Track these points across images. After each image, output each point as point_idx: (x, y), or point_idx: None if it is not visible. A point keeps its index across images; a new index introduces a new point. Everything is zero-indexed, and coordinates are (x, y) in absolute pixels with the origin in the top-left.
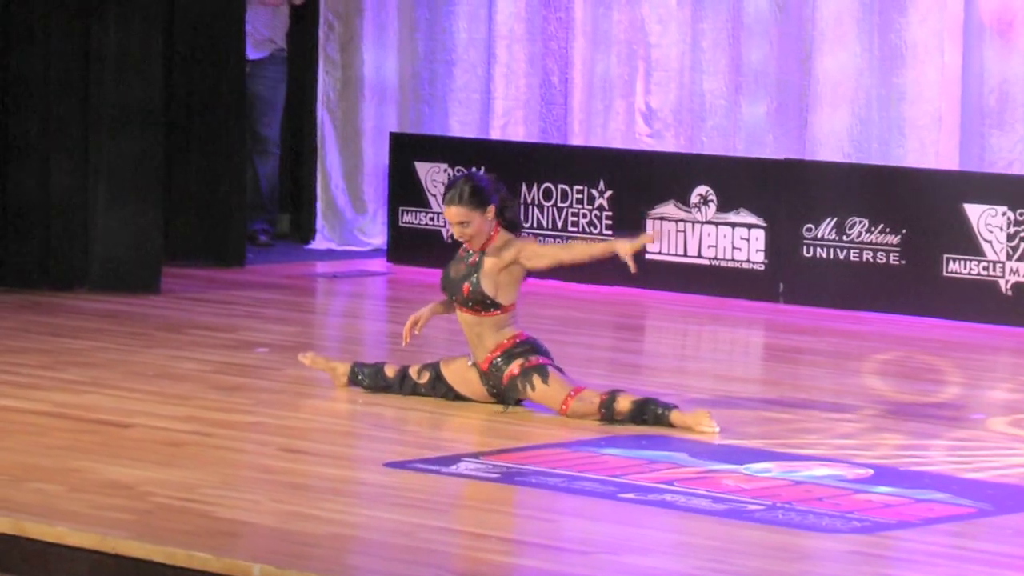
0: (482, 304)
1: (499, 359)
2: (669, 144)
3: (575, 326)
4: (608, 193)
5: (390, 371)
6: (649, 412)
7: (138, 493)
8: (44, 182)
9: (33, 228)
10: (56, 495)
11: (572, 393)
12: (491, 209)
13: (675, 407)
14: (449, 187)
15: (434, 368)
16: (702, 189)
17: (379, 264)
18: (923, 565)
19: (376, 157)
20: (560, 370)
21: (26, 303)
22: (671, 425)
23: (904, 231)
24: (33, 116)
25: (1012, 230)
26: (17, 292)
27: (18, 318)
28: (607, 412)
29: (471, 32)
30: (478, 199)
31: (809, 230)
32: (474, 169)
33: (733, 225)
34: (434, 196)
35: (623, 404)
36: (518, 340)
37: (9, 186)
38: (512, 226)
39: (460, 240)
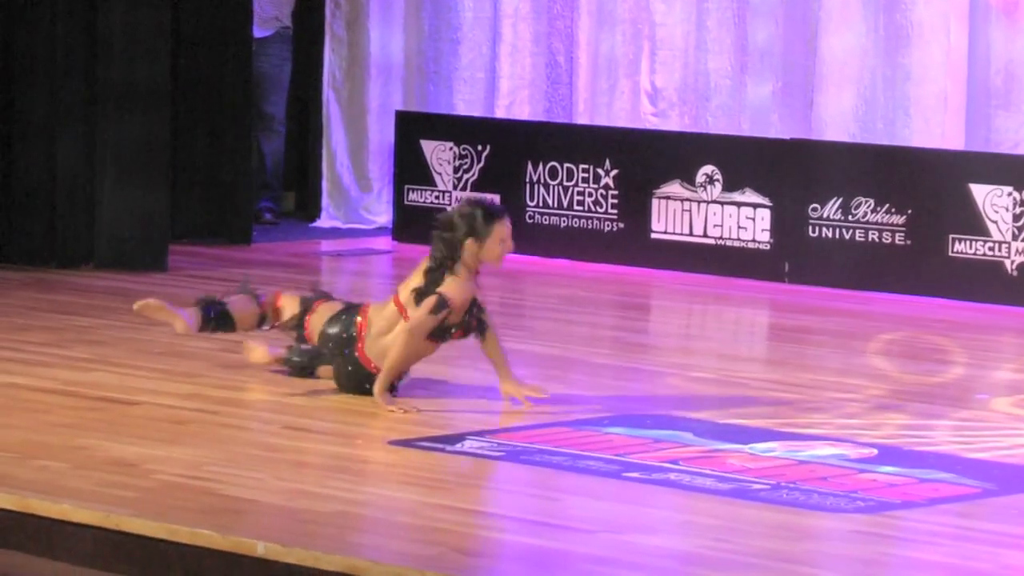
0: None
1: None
2: (674, 123)
3: (581, 305)
4: (614, 172)
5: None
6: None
7: (143, 471)
8: (50, 161)
9: (39, 207)
10: (61, 472)
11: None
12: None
13: None
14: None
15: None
16: (708, 168)
17: (384, 242)
18: (927, 545)
19: (381, 135)
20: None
21: (32, 281)
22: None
23: (910, 211)
24: (39, 95)
25: (1018, 210)
26: (24, 270)
27: (24, 296)
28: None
29: (476, 11)
30: None
31: (815, 210)
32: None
33: (739, 204)
34: (439, 174)
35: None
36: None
37: (16, 165)
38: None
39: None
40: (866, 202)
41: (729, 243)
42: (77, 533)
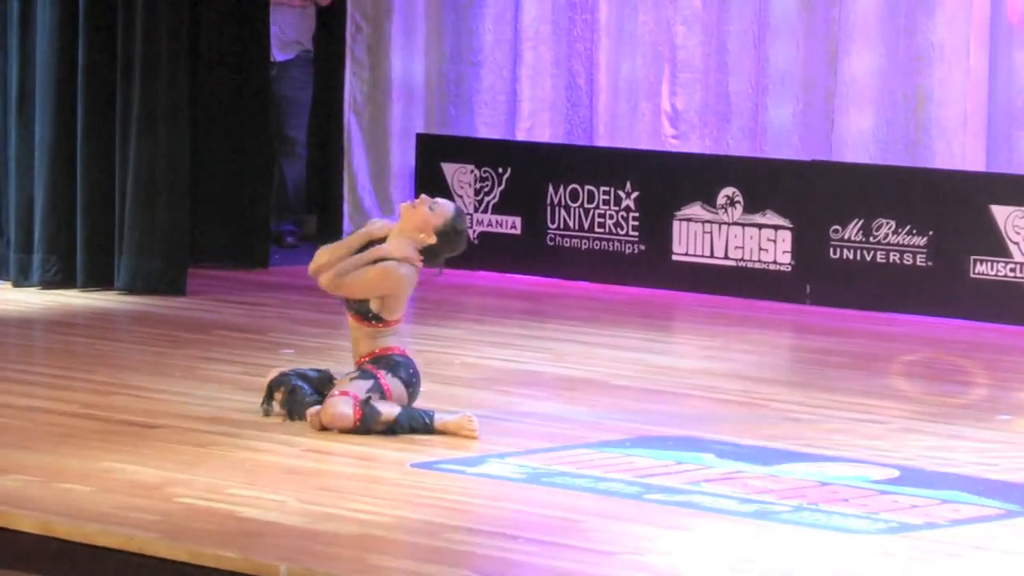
0: (363, 315)
1: (368, 363)
2: (695, 145)
3: (603, 327)
4: (635, 194)
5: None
6: (415, 420)
7: (165, 494)
8: (70, 184)
9: (60, 229)
10: (84, 496)
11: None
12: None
13: (434, 413)
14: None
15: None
16: (728, 190)
17: None
18: (950, 566)
19: (403, 158)
20: (394, 392)
21: (53, 304)
22: (435, 431)
23: (931, 232)
24: (63, 120)
25: None
26: (45, 293)
27: (46, 320)
28: (364, 421)
29: (497, 33)
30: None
31: (836, 231)
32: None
33: (760, 226)
34: (460, 197)
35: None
36: (389, 352)
37: (36, 186)
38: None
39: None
40: (887, 223)
41: (750, 265)
42: (100, 556)
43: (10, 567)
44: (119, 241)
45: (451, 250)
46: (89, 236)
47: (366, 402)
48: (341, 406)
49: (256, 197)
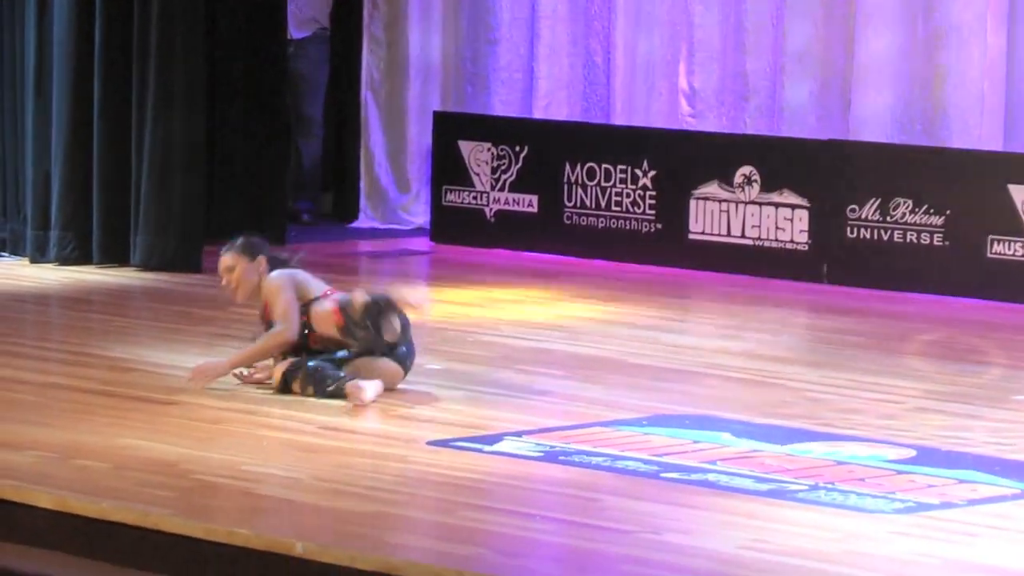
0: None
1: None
2: (712, 124)
3: (619, 306)
4: (652, 173)
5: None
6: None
7: (180, 470)
8: (87, 162)
9: (76, 208)
10: (100, 472)
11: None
12: (261, 260)
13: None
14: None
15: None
16: (746, 169)
17: (422, 243)
18: (966, 546)
19: (419, 136)
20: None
21: (70, 281)
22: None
23: (948, 212)
24: (80, 98)
25: None
26: (62, 271)
27: (63, 296)
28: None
29: (514, 12)
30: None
31: (853, 211)
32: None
33: (777, 205)
34: (477, 175)
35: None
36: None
37: (54, 166)
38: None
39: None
40: (904, 203)
41: (767, 244)
42: (116, 532)
43: (26, 543)
44: (135, 218)
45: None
46: (105, 213)
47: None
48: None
49: (272, 175)
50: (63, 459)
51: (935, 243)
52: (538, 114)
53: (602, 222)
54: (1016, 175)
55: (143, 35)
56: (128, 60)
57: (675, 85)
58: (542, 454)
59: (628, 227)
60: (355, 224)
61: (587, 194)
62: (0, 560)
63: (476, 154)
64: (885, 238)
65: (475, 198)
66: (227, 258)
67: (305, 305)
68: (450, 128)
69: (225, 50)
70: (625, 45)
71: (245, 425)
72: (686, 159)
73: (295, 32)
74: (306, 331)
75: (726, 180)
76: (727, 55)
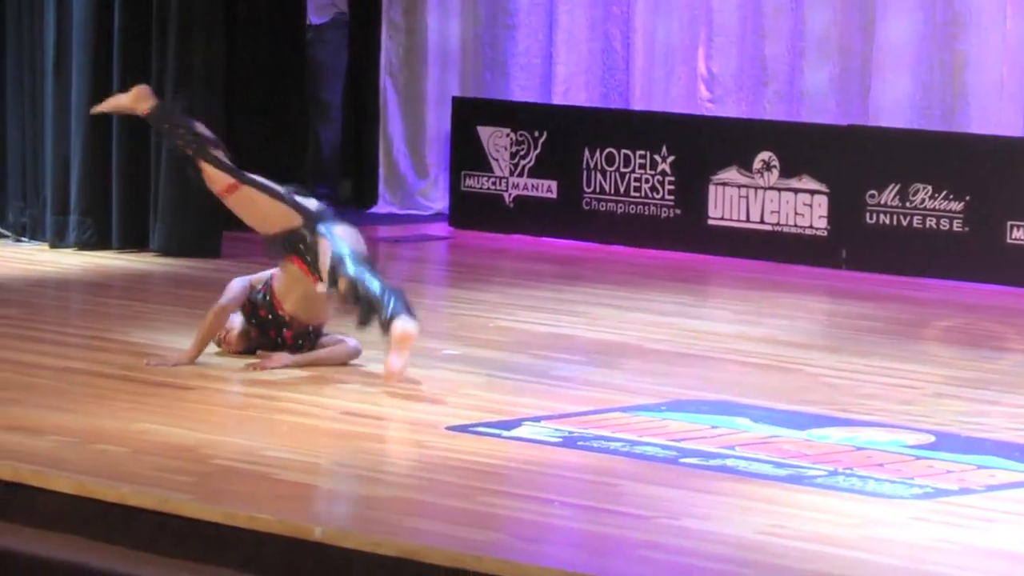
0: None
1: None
2: (731, 110)
3: (638, 291)
4: (670, 158)
5: None
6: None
7: (200, 455)
8: (105, 147)
9: (96, 193)
10: (119, 457)
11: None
12: None
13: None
14: None
15: None
16: (765, 155)
17: (441, 228)
18: (985, 532)
19: (438, 122)
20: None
21: (89, 266)
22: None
23: (968, 198)
24: (99, 83)
25: None
26: (81, 255)
27: (81, 281)
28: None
29: None
30: None
31: (872, 196)
32: None
33: (796, 191)
34: (496, 161)
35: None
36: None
37: (71, 151)
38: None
39: None
40: (924, 188)
41: (786, 230)
42: (135, 517)
43: (45, 527)
44: (154, 203)
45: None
46: (125, 198)
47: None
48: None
49: (291, 161)
50: (82, 444)
51: (954, 229)
52: (557, 99)
53: (621, 208)
54: None
55: (162, 20)
56: (147, 45)
57: (694, 70)
58: (560, 439)
59: (647, 213)
60: (374, 210)
61: (606, 179)
62: (19, 544)
63: (495, 140)
64: (904, 224)
65: (494, 184)
66: None
67: (263, 292)
68: (469, 114)
69: (244, 35)
70: (644, 30)
71: (264, 410)
72: (705, 145)
73: (314, 18)
74: (281, 325)
75: (745, 166)
76: (746, 40)
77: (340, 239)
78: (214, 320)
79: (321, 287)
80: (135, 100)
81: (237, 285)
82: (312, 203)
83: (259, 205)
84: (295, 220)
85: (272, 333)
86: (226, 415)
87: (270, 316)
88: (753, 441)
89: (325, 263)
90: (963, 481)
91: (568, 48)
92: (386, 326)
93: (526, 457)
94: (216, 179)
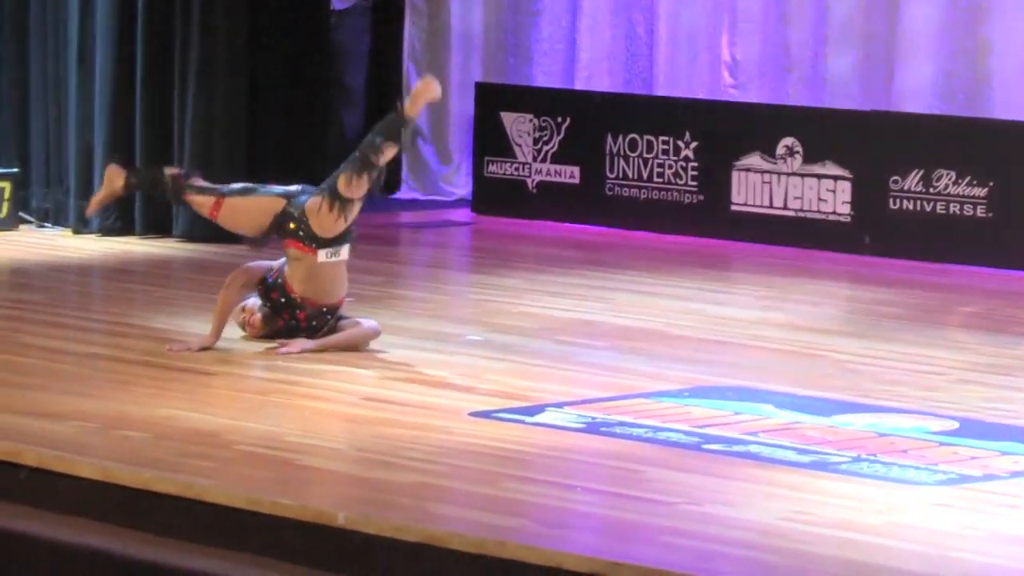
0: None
1: None
2: (754, 95)
3: (661, 277)
4: (694, 144)
5: None
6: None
7: (223, 441)
8: (129, 133)
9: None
10: (142, 443)
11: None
12: None
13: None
14: None
15: None
16: (788, 140)
17: (464, 214)
18: (1009, 518)
19: (461, 107)
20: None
21: (113, 252)
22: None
23: (991, 183)
24: (122, 69)
25: None
26: (104, 241)
27: (105, 267)
28: None
29: None
30: None
31: (895, 182)
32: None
33: (819, 177)
34: (519, 146)
35: None
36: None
37: (96, 136)
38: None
39: None
40: (947, 174)
41: (809, 215)
42: (158, 503)
43: (68, 513)
44: None
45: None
46: None
47: None
48: None
49: (314, 146)
50: (105, 429)
51: (978, 214)
52: (580, 85)
53: (644, 193)
54: None
55: (185, 6)
56: (170, 30)
57: (717, 56)
58: (583, 425)
59: (670, 198)
60: (397, 195)
61: (629, 165)
62: (43, 530)
63: (518, 125)
64: (928, 209)
65: (517, 169)
66: None
67: (275, 276)
68: (492, 99)
69: (267, 21)
70: (667, 16)
71: (287, 396)
72: (728, 130)
73: (337, 3)
74: (295, 307)
75: (768, 151)
76: (769, 26)
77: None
78: (226, 295)
79: (322, 255)
80: (109, 183)
81: (250, 263)
82: (292, 187)
83: (245, 207)
84: (279, 204)
85: (286, 315)
86: (248, 401)
87: (283, 299)
88: (776, 427)
89: (326, 195)
90: (987, 467)
91: (591, 34)
92: (397, 124)
93: (549, 443)
94: (202, 204)
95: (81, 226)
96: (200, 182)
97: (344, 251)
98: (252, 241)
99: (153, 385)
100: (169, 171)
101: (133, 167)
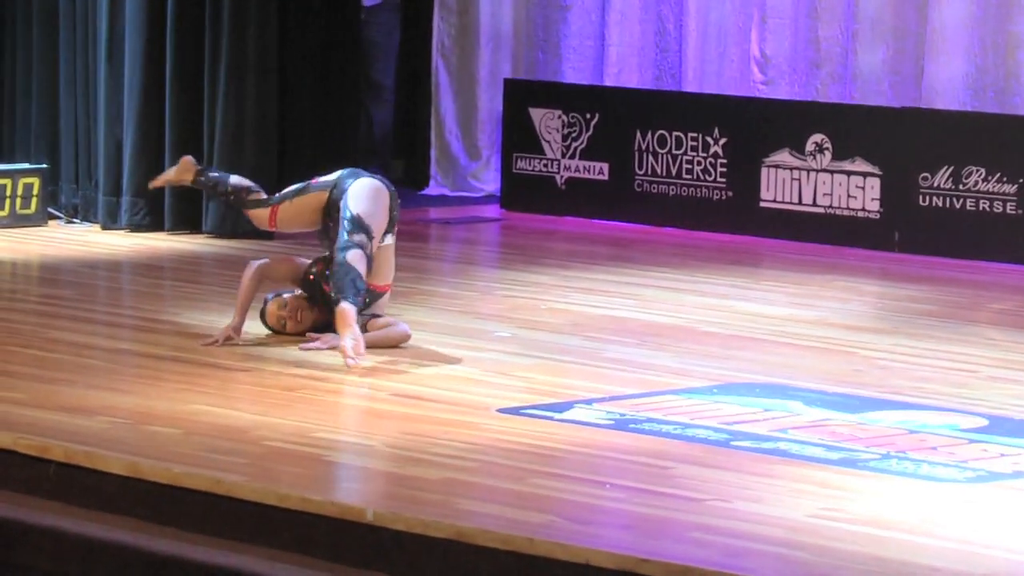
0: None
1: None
2: (784, 91)
3: (690, 273)
4: (723, 141)
5: None
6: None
7: (252, 437)
8: (159, 128)
9: (147, 174)
10: (171, 438)
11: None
12: None
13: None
14: None
15: None
16: (817, 137)
17: (492, 210)
18: None
19: (490, 103)
20: None
21: (141, 247)
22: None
23: (1021, 180)
24: (152, 65)
25: None
26: (133, 236)
27: (133, 262)
28: None
29: None
30: None
31: (925, 179)
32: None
33: (848, 173)
34: (548, 142)
35: None
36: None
37: (123, 132)
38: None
39: None
40: (977, 171)
41: (839, 212)
42: (187, 499)
43: (97, 508)
44: None
45: None
46: None
47: None
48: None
49: (343, 141)
50: (134, 425)
51: (1008, 211)
52: (609, 81)
53: (673, 190)
54: None
55: (216, 3)
56: (200, 27)
57: (747, 52)
58: (612, 422)
59: (699, 195)
60: (425, 191)
61: (658, 162)
62: (72, 525)
63: (547, 121)
64: (957, 206)
65: (546, 165)
66: None
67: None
68: (521, 95)
69: (297, 17)
70: (697, 11)
71: (317, 391)
72: (757, 127)
73: (367, 0)
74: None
75: (798, 148)
76: (799, 21)
77: (346, 207)
78: (249, 283)
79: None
80: (180, 172)
81: (265, 259)
82: (333, 175)
83: (295, 210)
84: (323, 197)
85: (320, 304)
86: (277, 396)
87: (318, 285)
88: (806, 424)
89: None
90: (1017, 465)
91: (621, 30)
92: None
93: (578, 439)
94: (260, 218)
95: (110, 221)
96: (260, 195)
97: (390, 237)
98: (320, 235)
99: (182, 381)
100: (235, 181)
101: (206, 167)
